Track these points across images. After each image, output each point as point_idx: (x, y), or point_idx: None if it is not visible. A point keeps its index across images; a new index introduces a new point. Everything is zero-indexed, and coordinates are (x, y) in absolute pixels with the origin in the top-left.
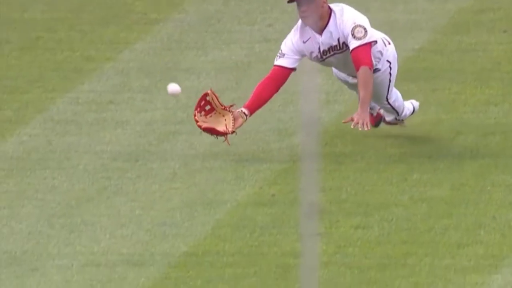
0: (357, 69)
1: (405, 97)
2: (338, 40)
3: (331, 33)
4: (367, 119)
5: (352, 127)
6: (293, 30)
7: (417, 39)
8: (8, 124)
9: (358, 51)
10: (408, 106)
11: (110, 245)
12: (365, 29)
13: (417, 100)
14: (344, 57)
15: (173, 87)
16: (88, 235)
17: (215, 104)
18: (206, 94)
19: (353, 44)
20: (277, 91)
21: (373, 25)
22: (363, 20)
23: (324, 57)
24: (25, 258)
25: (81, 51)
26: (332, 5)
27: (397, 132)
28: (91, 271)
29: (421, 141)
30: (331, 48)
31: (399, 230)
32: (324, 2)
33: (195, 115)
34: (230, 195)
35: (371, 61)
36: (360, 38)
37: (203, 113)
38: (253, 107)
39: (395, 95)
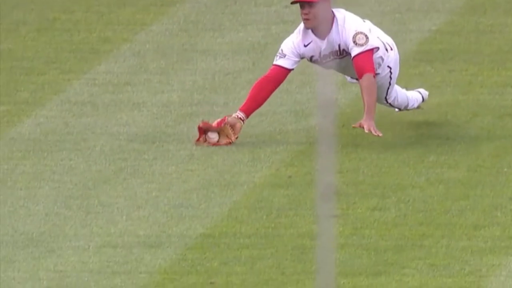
0: (360, 77)
1: (422, 79)
2: (339, 46)
3: (333, 39)
4: (373, 125)
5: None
6: (295, 32)
7: (434, 21)
8: (24, 105)
9: (360, 58)
10: (416, 97)
11: (126, 227)
12: (366, 36)
13: (433, 84)
14: (343, 62)
15: None
16: (105, 217)
17: (211, 129)
18: (200, 129)
19: (354, 51)
20: (274, 91)
21: (390, 7)
22: (365, 27)
23: (324, 61)
24: (42, 240)
25: (98, 32)
26: (334, 11)
27: (413, 114)
28: (108, 252)
29: (438, 122)
30: (332, 53)
31: (416, 211)
32: (327, 7)
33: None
34: (247, 176)
35: (374, 67)
36: (361, 45)
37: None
38: (250, 110)
39: (395, 94)
